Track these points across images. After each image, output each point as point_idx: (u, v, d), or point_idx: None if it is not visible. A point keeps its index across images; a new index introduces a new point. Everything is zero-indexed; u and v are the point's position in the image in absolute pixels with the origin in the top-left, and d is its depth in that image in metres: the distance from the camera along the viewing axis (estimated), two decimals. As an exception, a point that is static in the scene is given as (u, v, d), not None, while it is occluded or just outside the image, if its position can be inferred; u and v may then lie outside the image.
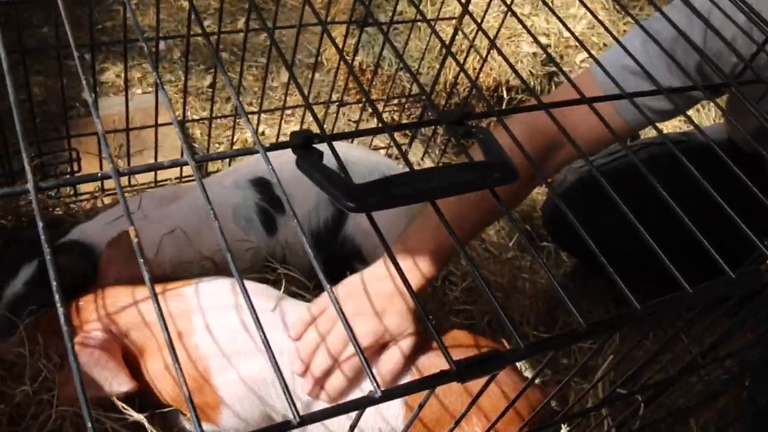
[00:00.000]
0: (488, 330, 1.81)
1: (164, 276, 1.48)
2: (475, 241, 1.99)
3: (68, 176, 1.90)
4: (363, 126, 2.35)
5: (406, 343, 1.30)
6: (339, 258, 1.80)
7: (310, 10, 0.93)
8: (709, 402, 1.79)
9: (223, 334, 1.31)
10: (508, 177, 0.74)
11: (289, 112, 2.46)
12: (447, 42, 2.24)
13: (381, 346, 1.31)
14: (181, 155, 2.19)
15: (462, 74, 2.25)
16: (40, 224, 0.59)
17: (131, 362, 1.33)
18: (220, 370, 1.31)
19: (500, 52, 1.01)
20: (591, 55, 1.04)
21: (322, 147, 0.72)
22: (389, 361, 1.30)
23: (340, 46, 2.45)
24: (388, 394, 0.59)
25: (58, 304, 0.55)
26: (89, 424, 0.50)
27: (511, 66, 0.93)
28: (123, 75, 2.56)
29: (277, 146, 0.72)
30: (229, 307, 1.34)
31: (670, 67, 1.37)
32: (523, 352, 0.65)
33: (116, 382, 1.27)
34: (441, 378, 0.63)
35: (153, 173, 2.06)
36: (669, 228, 0.90)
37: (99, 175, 0.66)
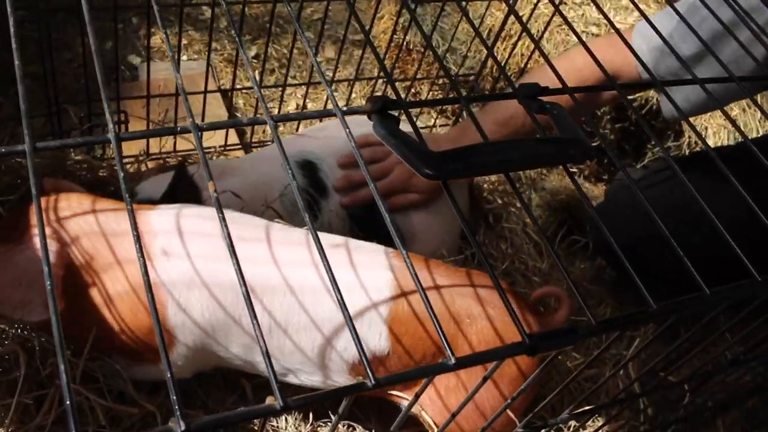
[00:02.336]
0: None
1: None
2: (516, 225, 1.99)
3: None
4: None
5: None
6: (376, 238, 1.80)
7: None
8: (737, 403, 1.78)
9: (189, 261, 1.21)
10: (581, 154, 0.74)
11: (332, 87, 2.46)
12: (497, 27, 2.23)
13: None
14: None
15: (511, 59, 2.23)
16: (33, 181, 0.59)
17: (72, 278, 1.19)
18: (177, 304, 1.21)
19: (540, 49, 1.01)
20: (633, 51, 1.03)
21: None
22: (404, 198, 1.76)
23: (391, 25, 2.44)
24: (461, 363, 0.59)
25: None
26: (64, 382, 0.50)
27: (548, 60, 0.92)
28: (169, 40, 2.57)
29: (355, 110, 0.72)
30: (201, 233, 1.23)
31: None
32: (596, 328, 0.64)
33: (29, 307, 1.14)
34: (511, 349, 0.63)
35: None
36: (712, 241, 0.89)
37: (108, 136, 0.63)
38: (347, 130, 0.69)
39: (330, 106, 2.26)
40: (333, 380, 1.30)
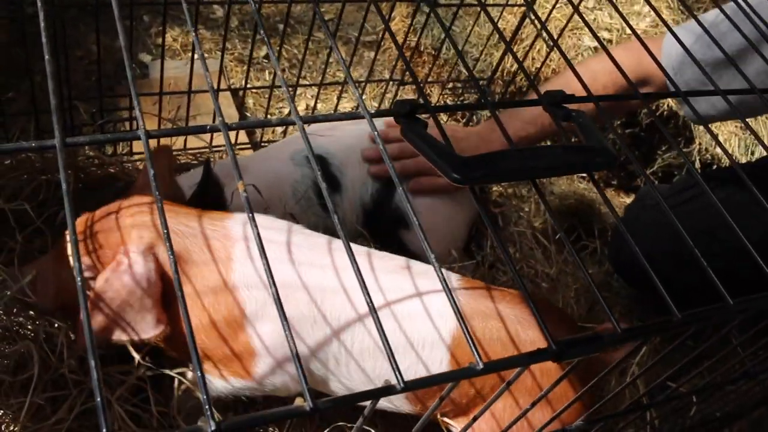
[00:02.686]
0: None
1: None
2: (527, 229, 1.99)
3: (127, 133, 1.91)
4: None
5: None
6: (385, 225, 1.80)
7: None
8: (745, 412, 1.78)
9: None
10: (608, 162, 0.74)
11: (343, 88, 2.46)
12: (513, 30, 2.23)
13: None
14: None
15: (524, 63, 2.23)
16: (63, 176, 0.59)
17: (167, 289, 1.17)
18: (257, 313, 1.20)
19: (560, 49, 1.01)
20: (652, 56, 1.03)
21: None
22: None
23: (405, 27, 2.44)
24: (488, 368, 0.59)
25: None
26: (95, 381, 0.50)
27: (568, 62, 0.92)
28: (180, 38, 2.57)
29: (383, 113, 0.72)
30: (275, 242, 1.23)
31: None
32: (621, 336, 0.64)
33: (142, 324, 1.12)
34: (538, 356, 0.63)
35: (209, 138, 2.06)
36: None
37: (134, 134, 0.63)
38: (375, 133, 0.69)
39: (342, 106, 2.26)
40: (393, 403, 1.30)
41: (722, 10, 1.11)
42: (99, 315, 1.11)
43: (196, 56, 2.48)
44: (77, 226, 1.19)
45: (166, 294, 1.16)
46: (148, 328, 1.12)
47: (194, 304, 1.17)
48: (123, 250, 1.13)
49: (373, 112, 0.71)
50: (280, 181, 1.68)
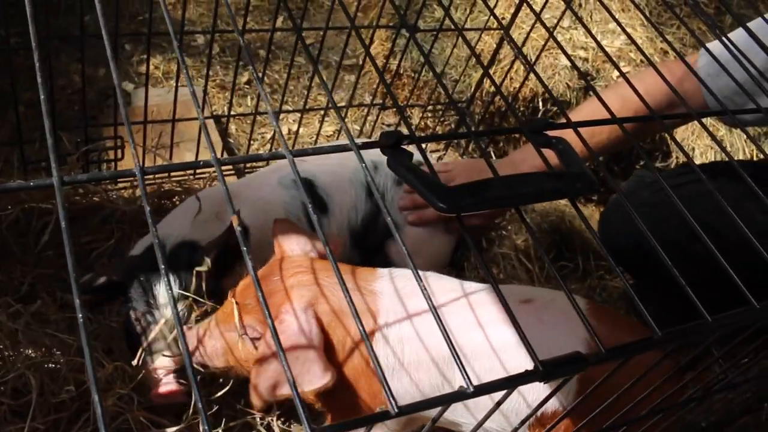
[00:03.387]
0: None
1: None
2: (509, 250, 2.01)
3: (111, 162, 1.93)
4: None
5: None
6: (373, 241, 1.84)
7: (360, 13, 0.95)
8: (730, 420, 1.80)
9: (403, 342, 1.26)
10: (588, 188, 0.77)
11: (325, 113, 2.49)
12: (491, 53, 2.26)
13: None
14: (222, 153, 2.22)
15: (501, 84, 2.27)
16: (62, 213, 0.61)
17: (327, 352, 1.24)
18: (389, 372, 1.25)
19: (536, 75, 1.04)
20: (621, 73, 1.06)
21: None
22: None
23: (384, 51, 2.47)
24: (479, 390, 0.61)
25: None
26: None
27: (545, 87, 0.95)
28: (162, 66, 2.59)
29: (370, 145, 0.75)
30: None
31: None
32: (604, 356, 0.67)
33: (309, 375, 1.16)
34: (524, 378, 0.65)
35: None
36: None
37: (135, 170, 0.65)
38: (363, 165, 0.71)
39: (324, 130, 2.29)
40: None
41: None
42: (269, 371, 1.17)
43: (182, 86, 2.51)
44: (239, 290, 1.29)
45: (331, 347, 1.22)
46: (316, 378, 1.16)
47: (353, 354, 1.24)
48: (285, 308, 1.20)
49: (360, 144, 0.73)
50: (273, 204, 1.71)
